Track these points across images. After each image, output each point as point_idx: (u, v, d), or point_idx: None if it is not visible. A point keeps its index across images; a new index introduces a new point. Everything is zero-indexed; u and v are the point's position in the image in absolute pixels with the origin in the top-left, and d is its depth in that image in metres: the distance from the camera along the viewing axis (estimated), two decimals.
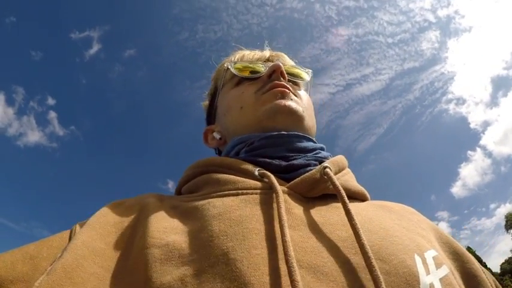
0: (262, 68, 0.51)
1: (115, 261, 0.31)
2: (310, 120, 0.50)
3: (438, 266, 0.31)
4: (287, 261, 0.26)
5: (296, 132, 0.45)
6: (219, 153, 0.58)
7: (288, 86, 0.49)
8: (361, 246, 0.29)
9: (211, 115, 0.60)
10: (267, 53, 0.57)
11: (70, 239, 0.33)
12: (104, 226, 0.34)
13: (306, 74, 0.56)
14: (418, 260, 0.30)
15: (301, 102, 0.50)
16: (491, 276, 0.36)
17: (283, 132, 0.44)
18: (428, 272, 0.29)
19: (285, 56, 0.59)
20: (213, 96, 0.59)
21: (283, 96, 0.47)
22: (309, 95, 0.57)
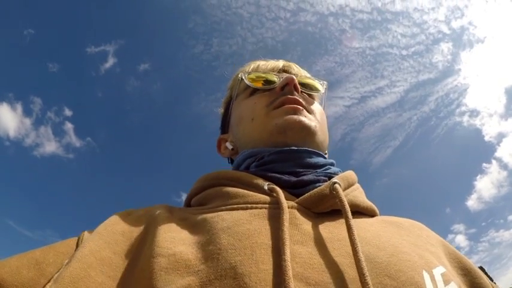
0: (276, 79, 0.51)
1: (122, 270, 0.30)
2: (322, 135, 0.50)
3: (446, 282, 0.30)
4: (284, 281, 0.26)
5: (306, 148, 0.45)
6: (232, 162, 0.58)
7: (300, 100, 0.48)
8: (356, 261, 0.28)
9: (225, 124, 0.60)
10: (280, 63, 0.57)
11: (77, 245, 0.33)
12: (112, 235, 0.34)
13: (320, 86, 0.56)
14: (426, 277, 0.30)
15: (314, 117, 0.49)
16: None
17: (293, 148, 0.44)
18: None
19: (299, 67, 0.58)
20: (228, 105, 0.59)
21: (295, 112, 0.47)
22: (323, 108, 0.56)
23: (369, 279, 0.27)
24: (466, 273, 0.36)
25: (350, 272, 0.29)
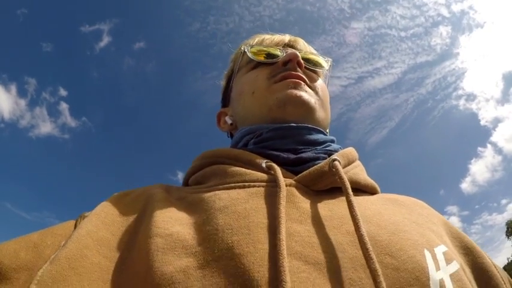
0: (280, 53, 0.50)
1: (119, 251, 0.30)
2: (323, 112, 0.48)
3: (448, 261, 0.30)
4: (278, 260, 0.25)
5: (306, 125, 0.44)
6: (231, 136, 0.57)
7: (303, 76, 0.47)
8: (360, 239, 0.28)
9: (225, 97, 0.59)
10: (286, 37, 0.55)
11: (75, 227, 0.33)
12: (109, 216, 0.33)
13: (324, 62, 0.54)
14: (428, 256, 0.29)
15: (315, 93, 0.48)
16: (504, 271, 0.36)
17: (292, 124, 0.43)
18: (438, 268, 0.29)
19: (305, 42, 0.56)
20: (229, 78, 0.58)
21: (296, 87, 0.46)
22: (327, 85, 0.55)
23: (373, 255, 0.26)
24: (468, 252, 0.36)
25: (350, 250, 0.28)
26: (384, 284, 0.25)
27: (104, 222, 0.32)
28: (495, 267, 0.35)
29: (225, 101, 0.59)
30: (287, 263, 0.25)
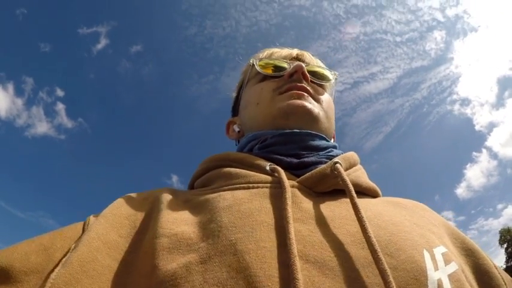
0: (286, 66, 0.52)
1: (128, 253, 0.31)
2: (327, 122, 0.50)
3: (447, 262, 0.30)
4: (289, 258, 0.26)
5: (309, 131, 0.46)
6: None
7: (307, 88, 0.49)
8: (367, 240, 0.29)
9: (235, 107, 0.61)
10: (294, 51, 0.57)
11: (83, 230, 0.33)
12: (117, 218, 0.34)
13: (330, 75, 0.56)
14: (426, 256, 0.30)
15: (320, 105, 0.50)
16: (505, 273, 0.36)
17: (295, 130, 0.45)
18: (436, 268, 0.29)
19: (312, 56, 0.59)
20: (239, 90, 0.60)
21: (299, 97, 0.47)
22: (333, 99, 0.56)
23: (382, 256, 0.27)
24: (469, 253, 0.36)
25: (352, 250, 0.29)
26: (393, 284, 0.25)
27: (113, 225, 0.33)
28: (496, 268, 0.35)
29: (235, 111, 0.62)
30: (298, 263, 0.25)
